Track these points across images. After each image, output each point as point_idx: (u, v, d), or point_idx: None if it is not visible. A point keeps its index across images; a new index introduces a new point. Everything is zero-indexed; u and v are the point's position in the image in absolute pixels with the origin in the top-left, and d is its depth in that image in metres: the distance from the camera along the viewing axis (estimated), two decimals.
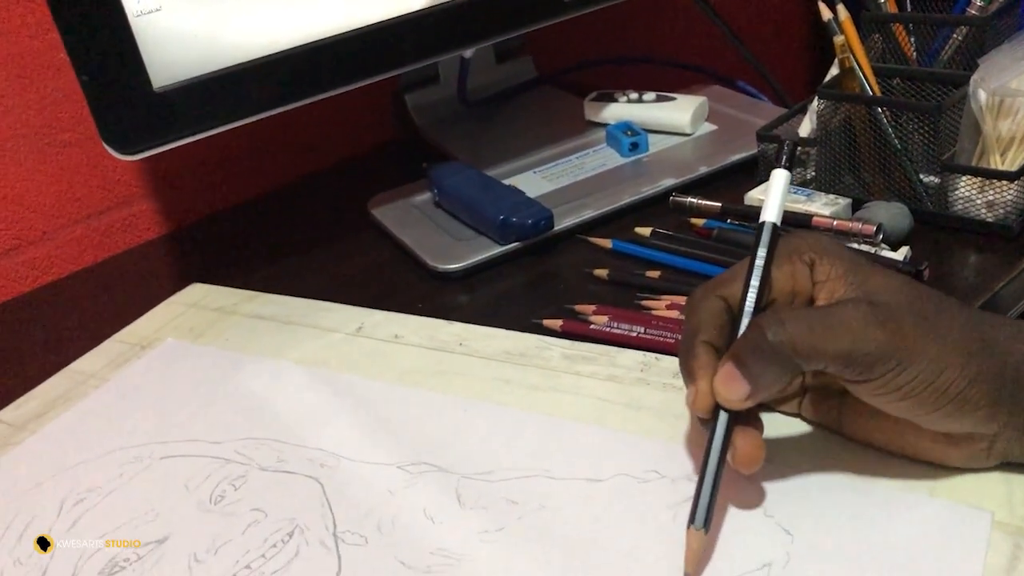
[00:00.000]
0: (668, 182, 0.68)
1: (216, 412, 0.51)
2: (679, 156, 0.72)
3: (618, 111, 0.76)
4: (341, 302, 0.60)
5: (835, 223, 0.57)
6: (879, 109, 0.61)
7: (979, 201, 0.58)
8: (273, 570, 0.40)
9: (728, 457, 0.39)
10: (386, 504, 0.43)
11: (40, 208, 0.73)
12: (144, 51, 0.54)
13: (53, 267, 0.74)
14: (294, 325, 0.59)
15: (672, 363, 0.49)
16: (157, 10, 0.54)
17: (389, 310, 0.59)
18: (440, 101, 0.84)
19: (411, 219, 0.69)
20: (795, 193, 0.63)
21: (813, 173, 0.64)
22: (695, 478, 0.40)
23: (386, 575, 0.39)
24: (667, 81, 0.80)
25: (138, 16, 0.54)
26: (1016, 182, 0.56)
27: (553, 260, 0.64)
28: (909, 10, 0.66)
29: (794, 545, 0.38)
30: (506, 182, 0.69)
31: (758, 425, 0.40)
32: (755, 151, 0.68)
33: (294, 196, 0.81)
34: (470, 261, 0.63)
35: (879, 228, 0.56)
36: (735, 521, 0.39)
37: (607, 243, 0.63)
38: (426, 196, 0.71)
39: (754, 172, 0.67)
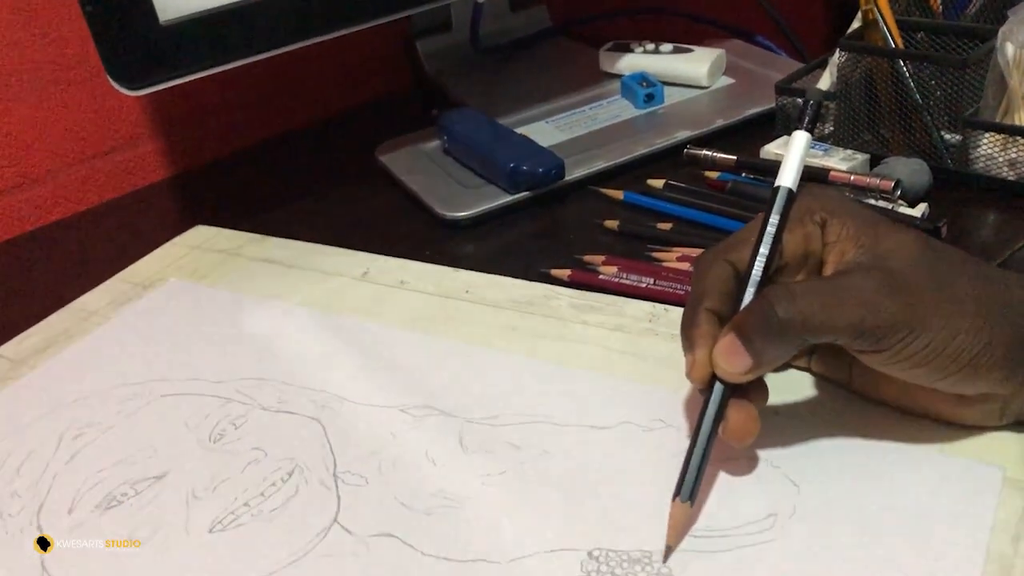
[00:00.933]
0: (683, 134, 0.67)
1: (218, 352, 0.51)
2: (695, 109, 0.71)
3: (634, 62, 0.75)
4: (347, 248, 0.59)
5: (852, 178, 0.56)
6: (901, 63, 0.59)
7: (1001, 159, 0.57)
8: (272, 508, 0.40)
9: (719, 429, 0.38)
10: (388, 446, 0.43)
11: (44, 147, 0.72)
12: None
13: (57, 206, 0.73)
14: (299, 268, 0.58)
15: (680, 314, 0.48)
16: None
17: (395, 257, 0.58)
18: (452, 48, 0.82)
19: (420, 166, 0.68)
20: (813, 148, 0.61)
21: (831, 128, 0.63)
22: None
23: (386, 515, 0.39)
24: (683, 35, 0.78)
25: None
26: None
27: (563, 211, 0.63)
28: None
29: (800, 497, 0.37)
30: (518, 131, 0.67)
31: (762, 393, 0.39)
32: (773, 105, 0.66)
33: (302, 142, 0.80)
34: (479, 209, 0.62)
35: (897, 184, 0.55)
36: (741, 468, 0.39)
37: (619, 194, 0.62)
38: (435, 143, 0.69)
39: (771, 127, 0.66)
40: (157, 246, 0.63)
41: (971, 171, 0.58)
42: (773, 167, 0.40)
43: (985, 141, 0.57)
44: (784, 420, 0.41)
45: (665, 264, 0.54)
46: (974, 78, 0.57)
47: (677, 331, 0.47)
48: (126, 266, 0.61)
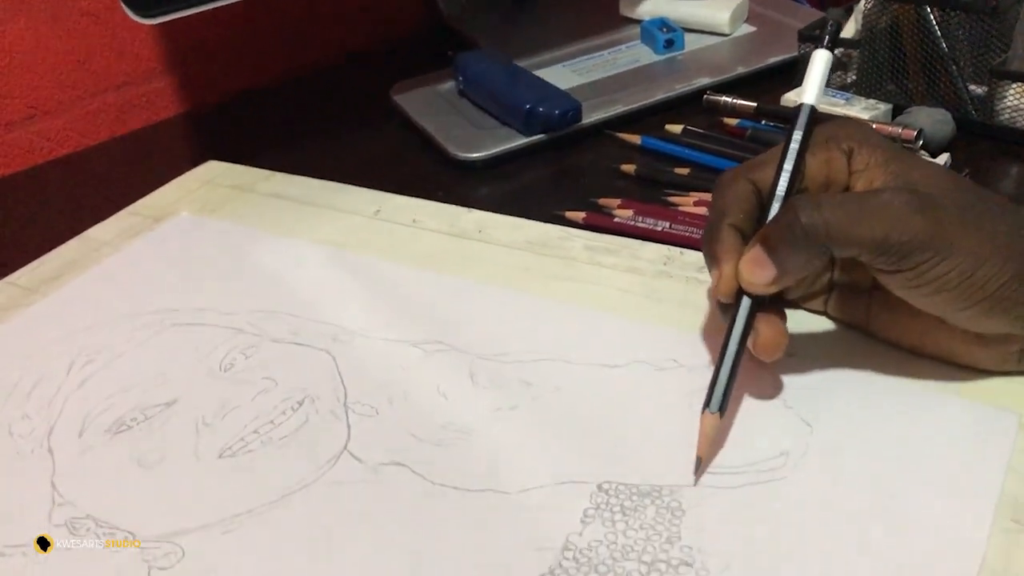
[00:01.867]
0: (703, 81, 0.66)
1: (229, 284, 0.51)
2: (715, 56, 0.70)
3: (654, 7, 0.74)
4: (360, 186, 0.59)
5: (874, 127, 0.55)
6: (928, 10, 0.58)
7: None
8: (281, 435, 0.40)
9: (749, 343, 0.38)
10: (399, 380, 0.42)
11: (56, 78, 0.71)
12: None
13: (69, 139, 0.72)
14: (311, 205, 0.58)
15: (696, 257, 0.47)
16: None
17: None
18: None
19: (434, 107, 0.67)
20: (834, 96, 0.60)
21: (854, 77, 0.62)
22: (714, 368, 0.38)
23: (396, 445, 0.39)
24: None
25: None
26: None
27: (579, 154, 0.62)
28: None
29: (813, 437, 0.37)
30: (535, 74, 0.66)
31: (781, 315, 0.39)
32: (794, 54, 0.65)
33: (317, 81, 0.79)
34: (493, 151, 0.61)
35: (920, 133, 0.54)
36: (754, 409, 0.38)
37: (636, 139, 0.61)
38: (450, 84, 0.69)
39: (792, 75, 0.65)
40: (169, 180, 0.62)
41: (996, 123, 0.57)
42: (794, 115, 0.40)
43: (1012, 92, 0.56)
44: (798, 362, 0.40)
45: (682, 208, 0.53)
46: (1004, 27, 0.56)
47: (692, 274, 0.47)
48: (137, 199, 0.60)
